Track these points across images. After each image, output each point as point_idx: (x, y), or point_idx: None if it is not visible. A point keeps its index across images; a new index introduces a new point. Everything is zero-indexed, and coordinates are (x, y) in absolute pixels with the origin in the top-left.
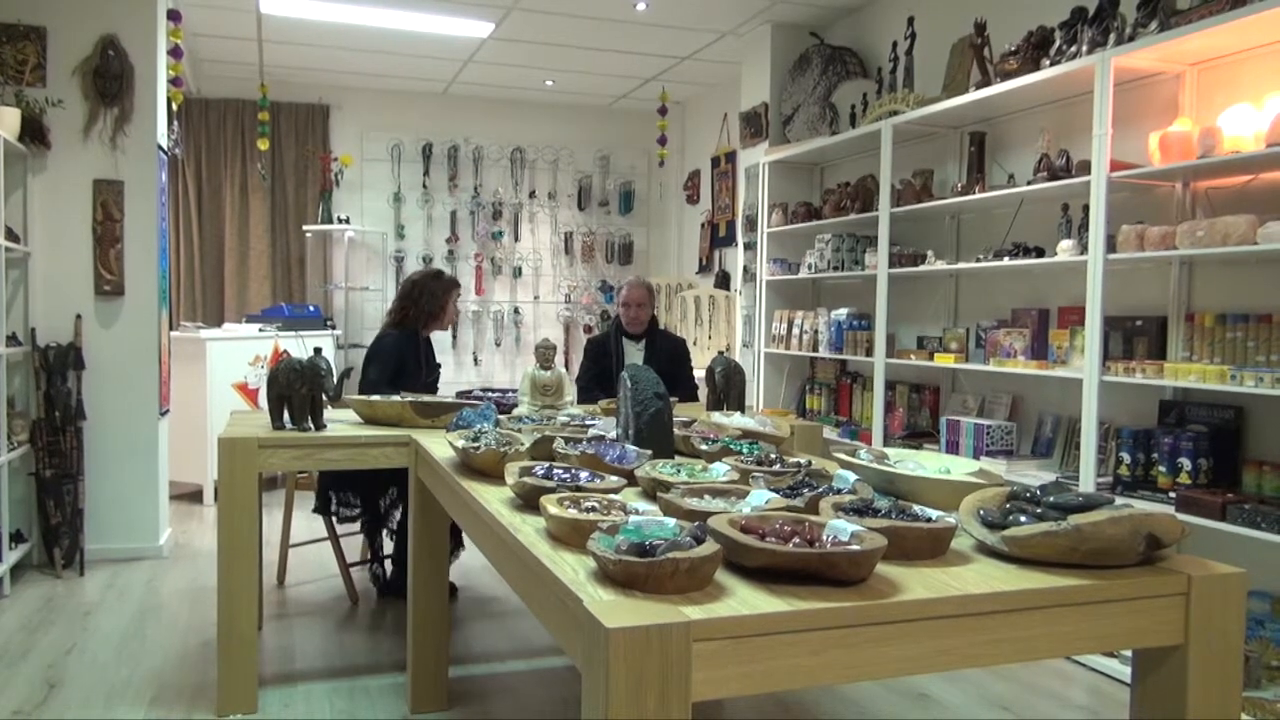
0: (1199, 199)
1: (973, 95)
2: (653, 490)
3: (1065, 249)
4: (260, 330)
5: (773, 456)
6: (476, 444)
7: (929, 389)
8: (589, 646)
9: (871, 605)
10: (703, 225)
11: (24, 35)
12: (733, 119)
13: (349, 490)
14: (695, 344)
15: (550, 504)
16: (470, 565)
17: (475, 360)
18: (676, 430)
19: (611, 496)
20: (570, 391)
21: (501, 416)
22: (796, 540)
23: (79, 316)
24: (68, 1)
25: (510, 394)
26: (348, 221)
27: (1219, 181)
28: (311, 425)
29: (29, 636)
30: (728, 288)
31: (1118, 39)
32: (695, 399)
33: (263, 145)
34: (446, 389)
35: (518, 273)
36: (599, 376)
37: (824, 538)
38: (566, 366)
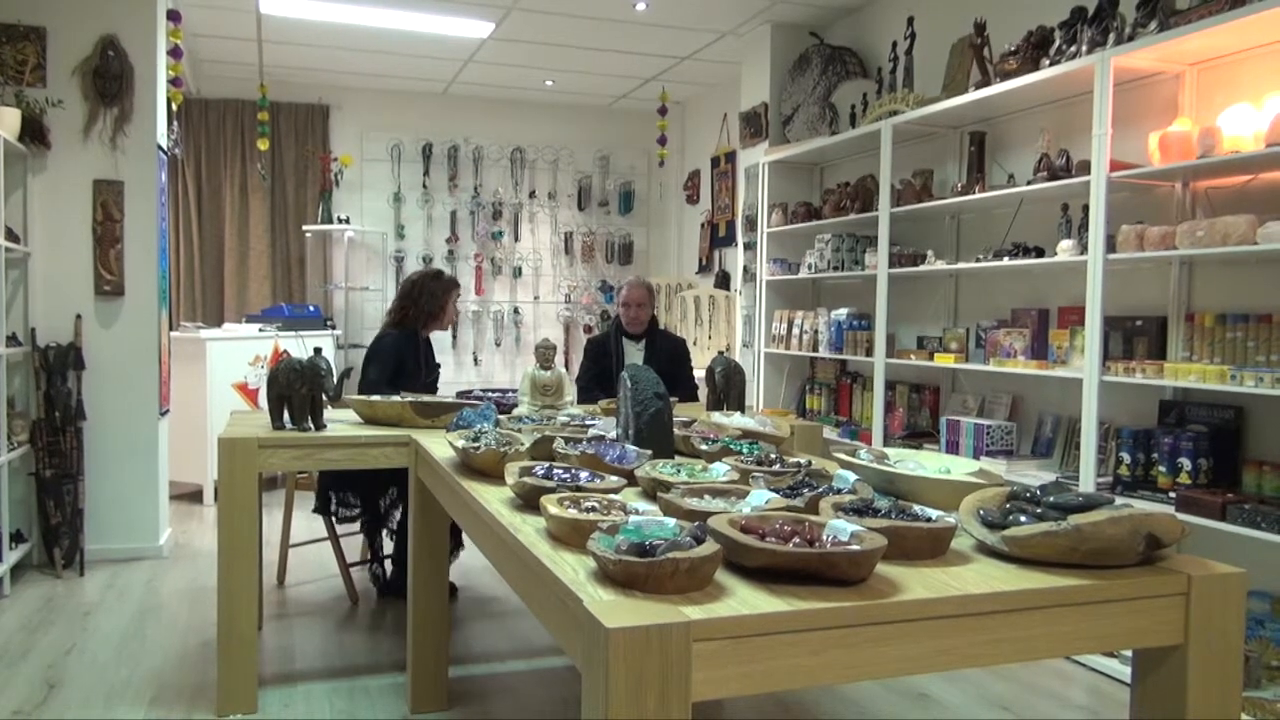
0: (1199, 199)
1: (972, 95)
2: (653, 490)
3: (1065, 249)
4: (260, 330)
5: (773, 456)
6: (476, 444)
7: (929, 389)
8: (589, 646)
9: (871, 605)
10: (703, 225)
11: (24, 35)
12: (732, 119)
13: (349, 490)
14: (695, 344)
15: (550, 504)
16: (470, 565)
17: (475, 360)
18: (676, 430)
19: (611, 496)
20: (570, 391)
21: (501, 416)
22: (796, 540)
23: (79, 316)
24: (68, 1)
25: (510, 394)
26: (348, 221)
27: (1219, 181)
28: (311, 425)
29: (29, 636)
30: (728, 288)
31: (1117, 39)
32: (695, 399)
33: (262, 145)
34: (446, 389)
35: (518, 273)
36: (599, 376)
37: (824, 538)
38: (566, 366)
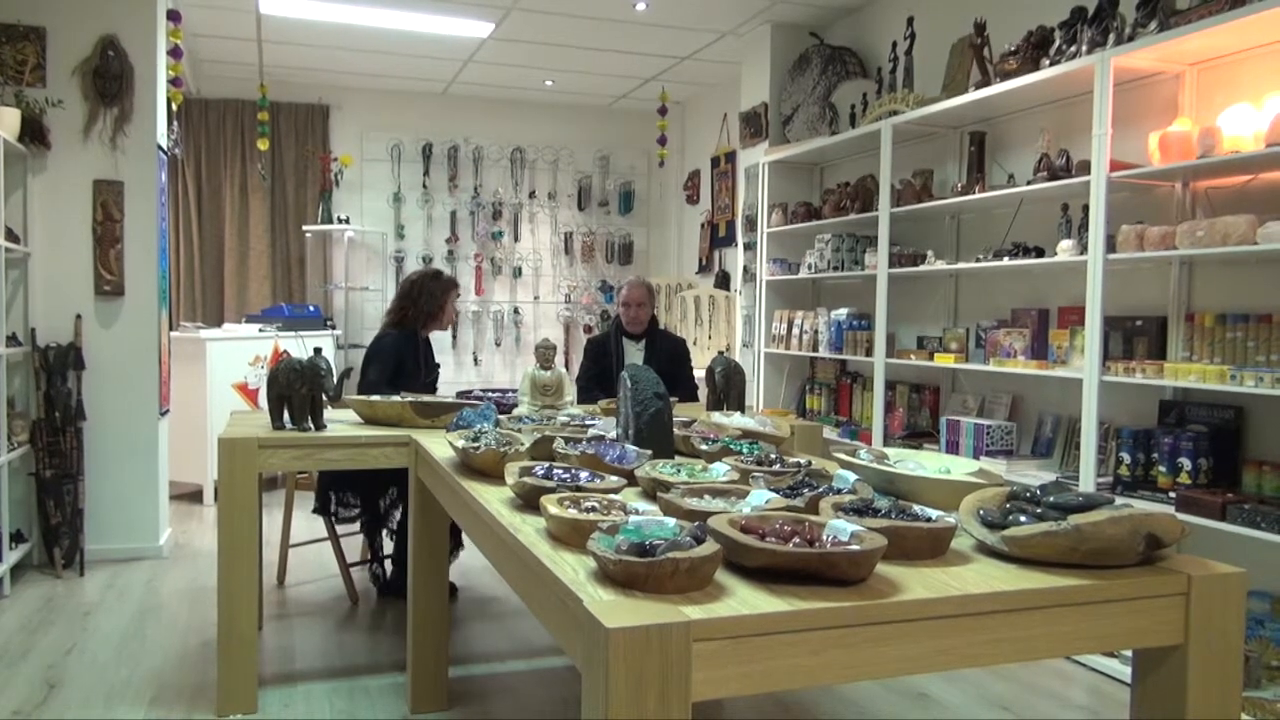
0: (1199, 199)
1: (972, 95)
2: (653, 490)
3: (1065, 249)
4: (260, 330)
5: (773, 456)
6: (476, 444)
7: (929, 389)
8: (589, 646)
9: (871, 605)
10: (702, 225)
11: (24, 35)
12: (732, 119)
13: (349, 490)
14: (695, 344)
15: (550, 504)
16: (470, 565)
17: (475, 360)
18: (676, 430)
19: (611, 496)
20: (570, 391)
21: (501, 416)
22: (796, 540)
23: (79, 316)
24: (68, 2)
25: (510, 394)
26: (348, 221)
27: (1219, 181)
28: (311, 425)
29: (29, 636)
30: (728, 288)
31: (1117, 39)
32: (695, 399)
33: (263, 145)
34: (446, 389)
35: (518, 273)
36: (599, 376)
37: (824, 538)
38: (566, 366)
